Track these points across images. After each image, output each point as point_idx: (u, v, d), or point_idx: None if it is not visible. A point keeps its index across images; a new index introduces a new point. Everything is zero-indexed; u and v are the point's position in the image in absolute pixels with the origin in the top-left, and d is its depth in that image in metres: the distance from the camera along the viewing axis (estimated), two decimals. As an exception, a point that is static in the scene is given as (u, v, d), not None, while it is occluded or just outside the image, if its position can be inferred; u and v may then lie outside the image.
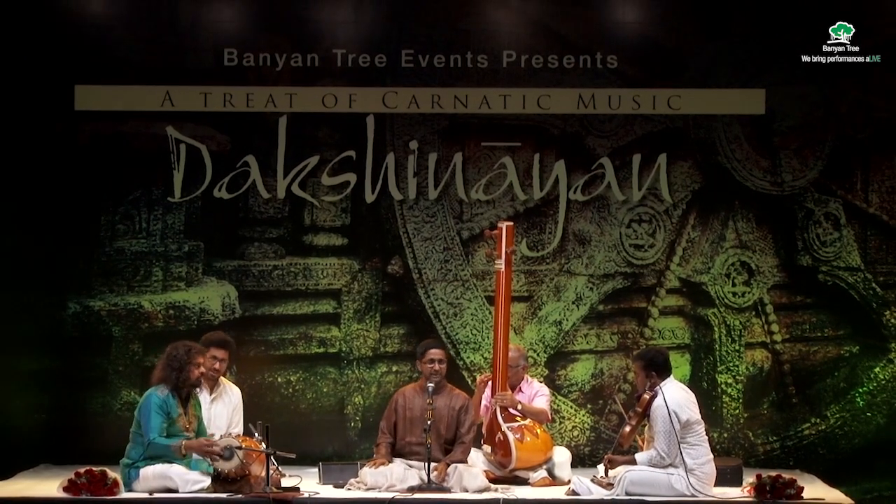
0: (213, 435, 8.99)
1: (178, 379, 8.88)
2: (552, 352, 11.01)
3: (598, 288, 11.02)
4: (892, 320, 11.08)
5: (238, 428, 9.56)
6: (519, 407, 9.61)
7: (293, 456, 8.85)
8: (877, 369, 11.07)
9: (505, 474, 9.48)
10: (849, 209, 11.10)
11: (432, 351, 9.34)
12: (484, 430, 9.66)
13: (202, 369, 8.99)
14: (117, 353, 10.84)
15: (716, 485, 8.96)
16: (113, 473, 8.76)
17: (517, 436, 9.47)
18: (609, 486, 8.84)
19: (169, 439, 8.79)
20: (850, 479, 10.54)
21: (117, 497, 8.70)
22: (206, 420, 9.24)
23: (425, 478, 8.96)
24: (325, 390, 11.01)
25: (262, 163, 10.92)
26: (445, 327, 10.91)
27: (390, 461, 9.21)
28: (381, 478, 9.04)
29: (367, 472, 9.11)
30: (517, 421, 9.57)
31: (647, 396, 8.85)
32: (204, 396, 9.39)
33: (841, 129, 11.06)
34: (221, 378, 9.63)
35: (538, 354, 10.93)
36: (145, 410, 8.84)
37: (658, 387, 8.83)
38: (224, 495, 8.66)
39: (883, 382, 11.05)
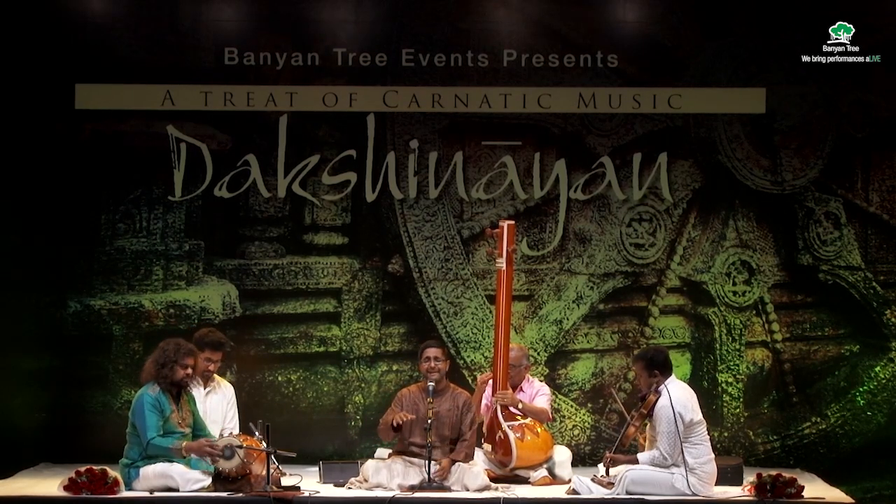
0: (220, 432, 9.03)
1: (159, 375, 8.88)
2: (553, 351, 11.02)
3: (598, 287, 11.03)
4: (893, 319, 11.08)
5: (233, 423, 9.57)
6: (520, 406, 9.61)
7: (294, 455, 8.86)
8: (877, 368, 11.08)
9: (505, 473, 9.48)
10: (849, 208, 11.11)
11: (428, 350, 9.32)
12: (485, 429, 9.66)
13: (188, 371, 8.95)
14: (118, 351, 10.85)
15: (716, 484, 8.96)
16: (113, 472, 8.76)
17: (518, 435, 9.47)
18: (609, 485, 8.83)
19: (167, 440, 8.78)
20: (850, 478, 10.55)
21: (118, 496, 8.70)
22: (202, 413, 9.24)
23: (426, 476, 8.96)
24: (325, 389, 11.01)
25: (262, 162, 10.93)
26: (446, 326, 10.91)
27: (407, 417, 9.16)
28: (382, 474, 9.04)
29: (369, 467, 9.12)
30: (518, 420, 9.57)
31: (652, 398, 8.82)
32: (199, 391, 9.40)
33: (841, 129, 11.07)
34: (214, 374, 9.64)
35: (539, 353, 10.93)
36: (139, 411, 8.84)
37: (663, 385, 8.83)
38: (225, 494, 8.66)
39: (883, 381, 11.06)
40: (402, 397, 9.38)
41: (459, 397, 9.38)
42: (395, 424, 9.13)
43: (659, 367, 8.90)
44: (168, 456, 8.81)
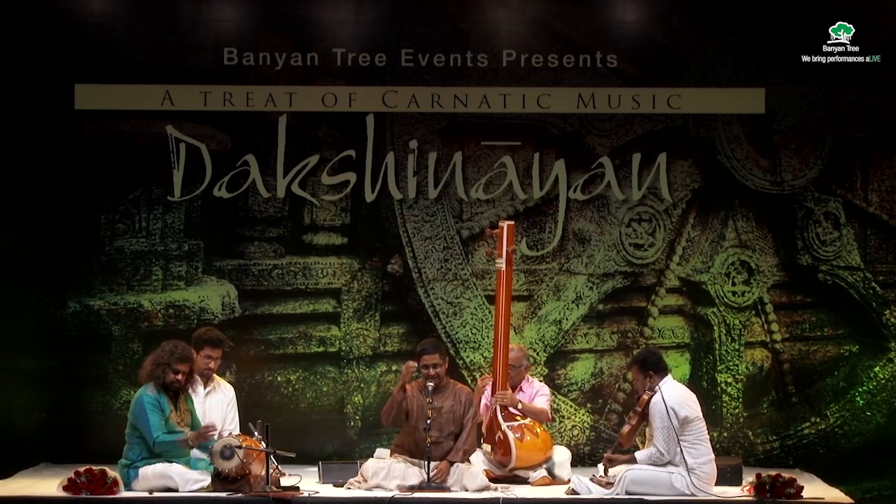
0: (219, 433, 9.06)
1: (153, 374, 8.90)
2: (552, 351, 11.02)
3: (597, 287, 11.03)
4: (892, 319, 11.08)
5: (233, 425, 9.57)
6: (519, 406, 9.61)
7: (293, 455, 8.87)
8: (876, 368, 11.08)
9: (505, 473, 9.48)
10: (848, 208, 11.10)
11: (426, 357, 9.26)
12: (484, 429, 9.66)
13: (179, 376, 8.95)
14: (117, 352, 10.85)
15: (716, 484, 8.97)
16: (113, 472, 8.77)
17: (517, 435, 9.47)
18: (609, 485, 8.84)
19: (173, 435, 8.81)
20: (849, 479, 10.54)
21: (117, 496, 8.71)
22: (201, 414, 9.25)
23: (425, 476, 8.96)
24: (324, 389, 11.01)
25: (261, 162, 10.93)
26: (445, 326, 10.91)
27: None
28: (381, 474, 9.04)
29: (369, 466, 9.11)
30: (517, 420, 9.57)
31: (646, 397, 8.86)
32: (199, 391, 9.40)
33: (841, 129, 11.06)
34: (215, 375, 9.64)
35: (538, 354, 10.93)
36: (140, 412, 8.86)
37: (658, 385, 8.84)
38: (224, 494, 8.67)
39: (883, 381, 11.05)
40: (408, 393, 9.36)
41: (461, 392, 9.36)
42: (403, 383, 9.12)
43: (652, 367, 8.92)
44: (174, 452, 8.83)
